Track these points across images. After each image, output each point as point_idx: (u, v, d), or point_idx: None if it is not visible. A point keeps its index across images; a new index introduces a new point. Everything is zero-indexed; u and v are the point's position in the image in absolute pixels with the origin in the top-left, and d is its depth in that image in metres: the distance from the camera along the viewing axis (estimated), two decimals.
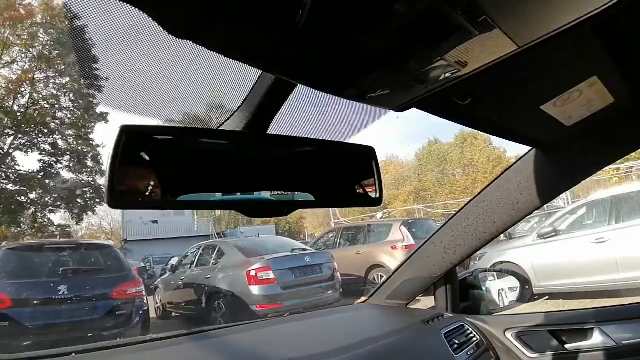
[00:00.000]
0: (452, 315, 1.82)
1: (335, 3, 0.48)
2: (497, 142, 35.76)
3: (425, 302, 2.09)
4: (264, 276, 6.85)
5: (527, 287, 2.13)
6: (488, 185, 1.64)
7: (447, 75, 0.69)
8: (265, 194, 0.71)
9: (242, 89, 0.73)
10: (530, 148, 1.50)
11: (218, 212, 39.04)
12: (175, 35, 0.49)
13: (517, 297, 2.06)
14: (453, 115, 0.99)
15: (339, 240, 10.40)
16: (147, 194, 0.63)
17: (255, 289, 6.83)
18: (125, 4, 0.45)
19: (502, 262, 7.10)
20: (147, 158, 0.64)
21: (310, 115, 0.82)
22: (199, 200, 0.66)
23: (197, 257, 8.68)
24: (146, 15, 0.47)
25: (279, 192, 0.72)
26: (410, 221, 10.11)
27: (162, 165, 0.66)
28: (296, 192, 0.75)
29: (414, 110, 0.86)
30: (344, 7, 0.49)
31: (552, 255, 6.73)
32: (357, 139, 0.87)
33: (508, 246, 7.48)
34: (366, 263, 9.29)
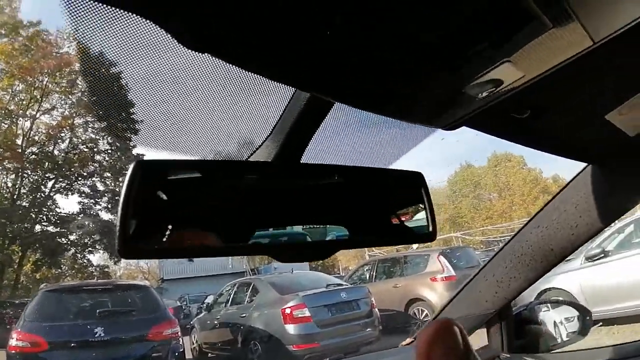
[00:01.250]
0: (509, 355, 1.65)
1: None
2: (532, 162, 34.78)
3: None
4: (300, 314, 6.67)
5: (587, 317, 1.92)
6: (541, 209, 1.49)
7: (509, 81, 0.58)
8: (300, 233, 0.61)
9: (271, 117, 0.65)
10: (585, 164, 1.36)
11: None
12: (194, 48, 0.41)
13: (577, 329, 1.85)
14: (508, 132, 0.88)
15: (374, 273, 10.10)
16: (166, 240, 0.54)
17: (291, 328, 6.65)
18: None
19: (549, 290, 6.69)
20: (166, 197, 0.55)
21: (346, 140, 0.73)
22: (226, 246, 0.57)
23: (231, 295, 8.63)
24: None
25: (315, 231, 0.62)
26: (448, 250, 9.76)
27: (184, 206, 0.58)
28: (335, 231, 0.64)
29: (442, 139, 0.76)
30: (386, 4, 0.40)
31: (602, 278, 6.33)
32: (398, 165, 0.76)
33: (554, 271, 7.04)
34: (405, 297, 8.92)
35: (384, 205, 0.71)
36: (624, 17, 0.56)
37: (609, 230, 7.16)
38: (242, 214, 0.60)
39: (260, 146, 0.66)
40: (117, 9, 0.42)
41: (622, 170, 1.29)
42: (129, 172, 0.54)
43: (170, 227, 0.55)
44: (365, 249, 26.39)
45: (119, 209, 0.52)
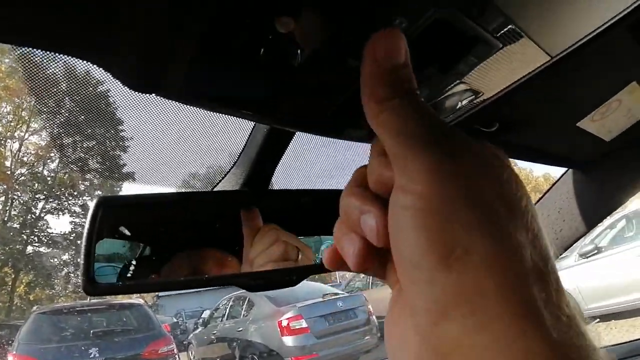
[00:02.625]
0: None
1: (328, 31, 0.40)
2: (522, 162, 35.02)
3: None
4: (297, 325, 6.61)
5: None
6: None
7: (469, 101, 0.59)
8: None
9: (236, 147, 0.65)
10: (566, 169, 1.37)
11: None
12: (136, 90, 0.41)
13: None
14: None
15: (371, 280, 10.04)
16: (132, 275, 0.54)
17: (288, 340, 6.59)
18: None
19: None
20: (129, 233, 0.55)
21: (316, 164, 0.73)
22: (191, 278, 0.56)
23: (227, 310, 8.54)
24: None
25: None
26: None
27: (149, 240, 0.57)
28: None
29: None
30: (339, 34, 0.40)
31: (597, 274, 6.33)
32: None
33: None
34: None
35: None
36: (577, 31, 0.56)
37: (601, 227, 7.20)
38: (211, 244, 0.60)
39: (224, 176, 0.66)
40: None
41: (603, 173, 1.29)
42: (91, 209, 0.53)
43: (136, 261, 0.55)
44: None
45: (82, 246, 0.52)
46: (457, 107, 0.58)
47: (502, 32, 0.47)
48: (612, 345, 1.66)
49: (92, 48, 0.38)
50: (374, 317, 7.49)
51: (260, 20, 0.34)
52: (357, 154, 0.69)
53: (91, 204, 0.53)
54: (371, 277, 10.12)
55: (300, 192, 0.66)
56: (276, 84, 0.44)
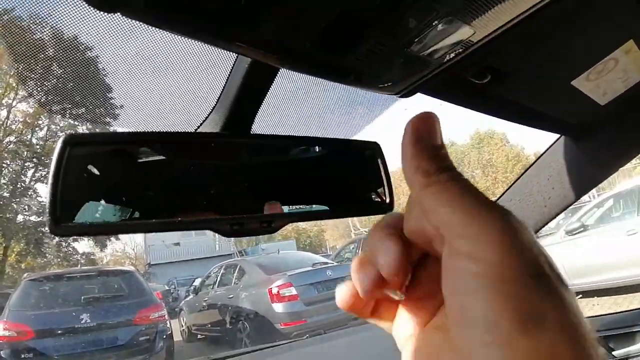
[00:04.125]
0: None
1: None
2: (514, 140, 35.09)
3: None
4: (286, 293, 6.75)
5: None
6: (514, 182, 1.48)
7: (459, 39, 0.55)
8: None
9: (216, 88, 0.61)
10: (558, 136, 1.35)
11: None
12: (100, 8, 0.37)
13: None
14: (468, 99, 0.85)
15: (359, 252, 10.15)
16: (100, 216, 0.51)
17: (278, 307, 6.72)
18: None
19: None
20: (98, 172, 0.52)
21: (300, 109, 0.70)
22: (164, 220, 0.54)
23: (219, 277, 8.65)
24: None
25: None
26: None
27: (120, 180, 0.55)
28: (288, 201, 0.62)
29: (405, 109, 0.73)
30: None
31: (582, 251, 6.44)
32: (363, 137, 0.73)
33: None
34: None
35: (339, 176, 0.68)
36: None
37: (588, 205, 7.28)
38: (187, 186, 0.58)
39: (206, 118, 0.63)
40: None
41: (595, 140, 1.28)
42: (57, 147, 0.50)
43: (106, 202, 0.52)
44: (352, 227, 26.51)
45: (49, 185, 0.49)
46: (449, 44, 0.55)
47: None
48: (597, 316, 1.69)
49: None
50: None
51: None
52: (352, 103, 0.67)
53: (57, 142, 0.50)
54: (360, 248, 10.27)
55: (285, 138, 0.64)
56: (251, 6, 0.40)
